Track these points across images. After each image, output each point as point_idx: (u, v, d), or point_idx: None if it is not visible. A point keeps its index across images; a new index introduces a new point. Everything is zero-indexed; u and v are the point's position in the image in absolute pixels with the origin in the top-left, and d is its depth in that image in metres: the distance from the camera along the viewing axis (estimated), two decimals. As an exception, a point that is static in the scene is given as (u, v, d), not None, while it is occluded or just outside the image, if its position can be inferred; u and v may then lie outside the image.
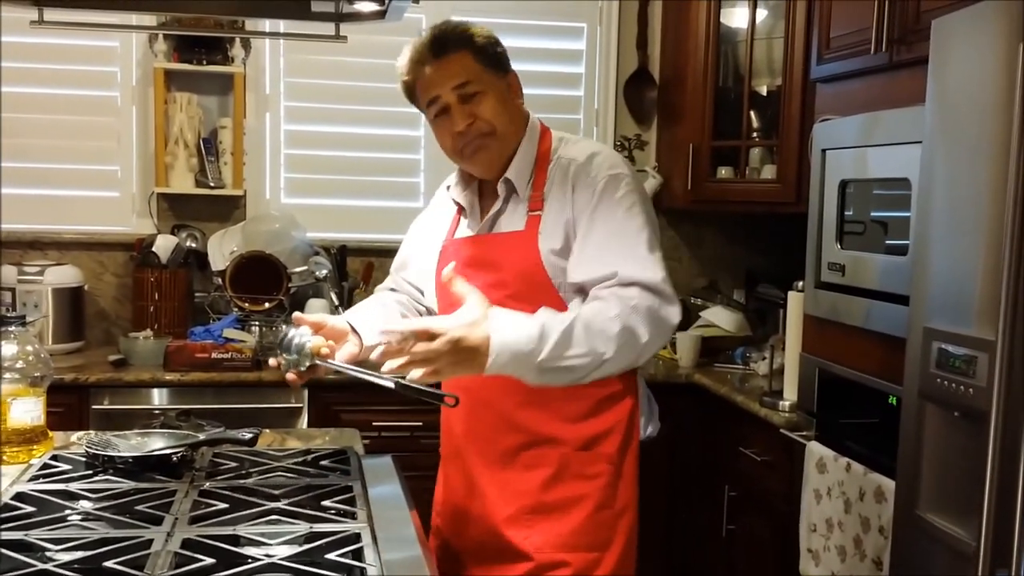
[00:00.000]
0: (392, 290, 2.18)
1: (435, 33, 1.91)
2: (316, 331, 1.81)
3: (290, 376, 1.78)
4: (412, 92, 1.96)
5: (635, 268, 1.79)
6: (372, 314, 1.99)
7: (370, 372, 1.75)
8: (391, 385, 1.67)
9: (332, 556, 1.36)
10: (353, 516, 1.55)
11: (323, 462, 1.87)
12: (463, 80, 1.88)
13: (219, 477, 1.75)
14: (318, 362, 1.77)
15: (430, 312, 2.10)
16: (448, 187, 2.10)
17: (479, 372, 1.65)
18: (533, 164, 1.94)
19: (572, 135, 2.03)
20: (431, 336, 1.61)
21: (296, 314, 1.86)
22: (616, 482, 1.93)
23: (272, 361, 1.81)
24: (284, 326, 1.84)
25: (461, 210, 2.05)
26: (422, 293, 2.13)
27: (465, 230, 2.03)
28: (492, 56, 1.92)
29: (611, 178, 1.87)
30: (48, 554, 1.36)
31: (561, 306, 1.84)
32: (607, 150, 1.99)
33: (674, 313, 1.81)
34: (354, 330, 1.90)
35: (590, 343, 1.71)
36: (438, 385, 1.74)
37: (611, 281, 1.79)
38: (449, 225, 2.07)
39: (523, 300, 1.85)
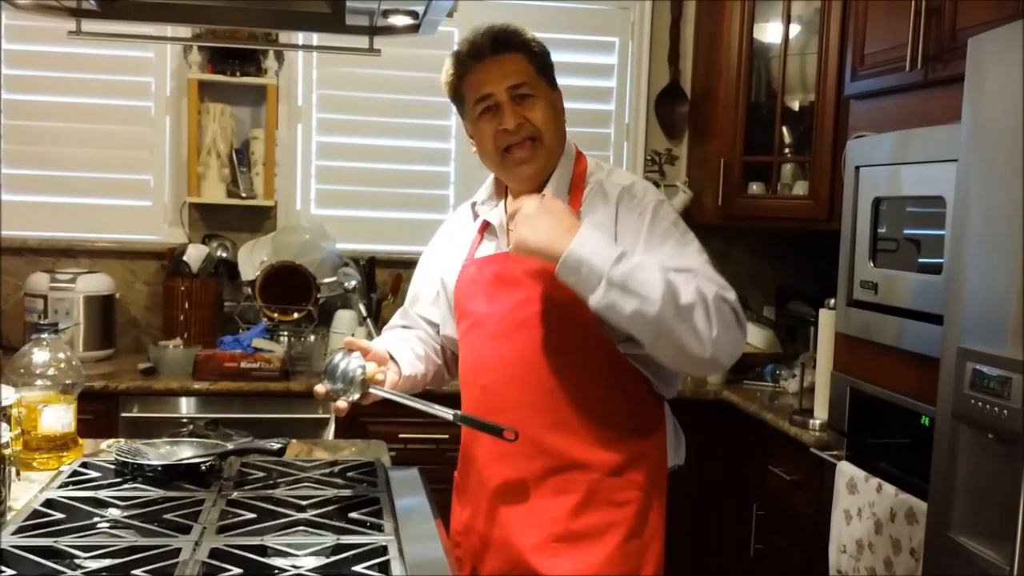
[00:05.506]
0: (405, 327, 2.13)
1: (493, 32, 1.88)
2: (364, 356, 1.77)
3: (342, 404, 1.74)
4: (458, 89, 1.92)
5: (714, 273, 1.76)
6: (399, 346, 1.96)
7: (428, 403, 1.71)
8: (449, 417, 1.66)
9: (359, 568, 1.36)
10: (380, 528, 1.55)
11: (350, 474, 1.87)
12: (519, 81, 1.86)
13: (247, 487, 1.76)
14: (373, 390, 1.74)
15: (448, 346, 2.08)
16: (474, 204, 2.06)
17: (558, 253, 1.63)
18: (569, 184, 1.92)
19: (606, 163, 2.01)
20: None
21: (349, 339, 1.81)
22: (646, 511, 1.89)
23: (320, 388, 1.74)
24: (338, 354, 1.77)
25: (484, 229, 2.02)
26: (436, 328, 2.09)
27: (488, 249, 2.00)
28: (546, 66, 1.92)
29: (659, 203, 1.87)
30: (76, 561, 1.37)
31: (593, 322, 1.81)
32: (642, 179, 1.99)
33: (744, 330, 1.75)
34: (391, 358, 1.88)
35: (667, 284, 1.64)
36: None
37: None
38: (469, 245, 2.03)
39: (555, 316, 1.84)
